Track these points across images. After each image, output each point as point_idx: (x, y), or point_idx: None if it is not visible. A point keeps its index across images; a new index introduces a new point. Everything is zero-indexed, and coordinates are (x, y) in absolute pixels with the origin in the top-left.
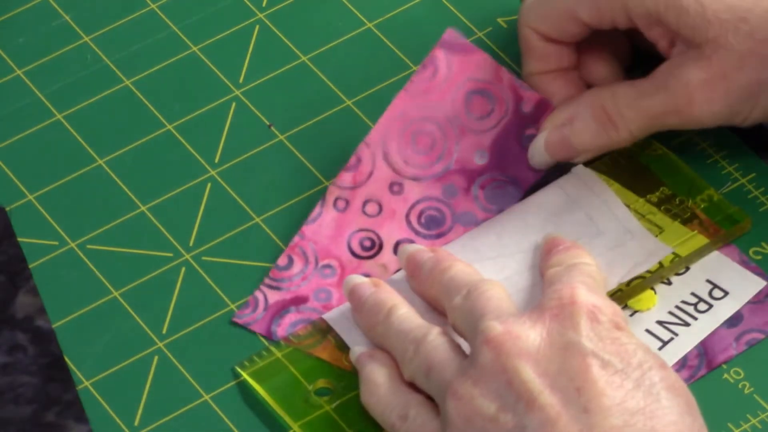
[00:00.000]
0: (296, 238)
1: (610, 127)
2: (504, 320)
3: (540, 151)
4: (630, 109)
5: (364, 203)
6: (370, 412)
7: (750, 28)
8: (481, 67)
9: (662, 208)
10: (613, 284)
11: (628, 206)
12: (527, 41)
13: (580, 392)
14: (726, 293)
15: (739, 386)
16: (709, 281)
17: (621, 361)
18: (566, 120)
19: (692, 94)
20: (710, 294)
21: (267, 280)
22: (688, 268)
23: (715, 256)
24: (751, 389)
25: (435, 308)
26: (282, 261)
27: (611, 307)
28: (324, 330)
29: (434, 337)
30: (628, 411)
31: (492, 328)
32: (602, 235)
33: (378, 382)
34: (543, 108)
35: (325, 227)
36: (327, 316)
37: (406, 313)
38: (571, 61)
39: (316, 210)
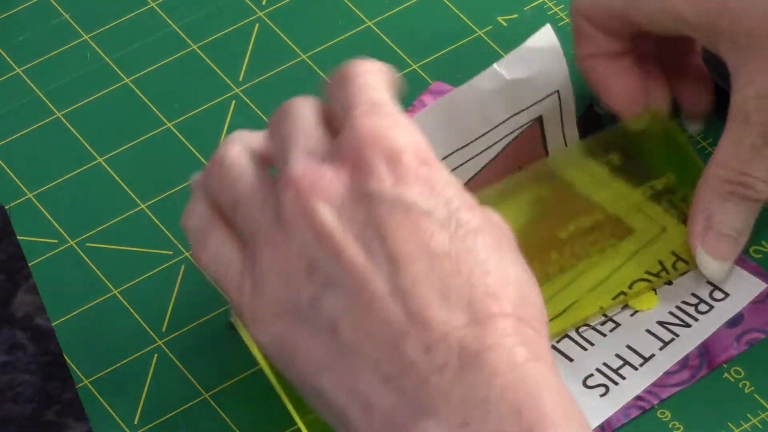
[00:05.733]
0: None
1: (743, 192)
2: (305, 156)
3: (714, 266)
4: (743, 162)
5: None
6: (184, 232)
7: None
8: None
9: (663, 200)
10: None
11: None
12: (578, 27)
13: (383, 241)
14: (727, 295)
15: (740, 385)
16: (710, 282)
17: (426, 202)
18: (705, 223)
19: None
20: (711, 295)
21: None
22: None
23: None
24: (752, 388)
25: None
26: None
27: (413, 142)
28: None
29: (239, 158)
30: (435, 254)
31: (294, 167)
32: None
33: (190, 206)
34: None
35: None
36: None
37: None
38: (626, 47)
39: None
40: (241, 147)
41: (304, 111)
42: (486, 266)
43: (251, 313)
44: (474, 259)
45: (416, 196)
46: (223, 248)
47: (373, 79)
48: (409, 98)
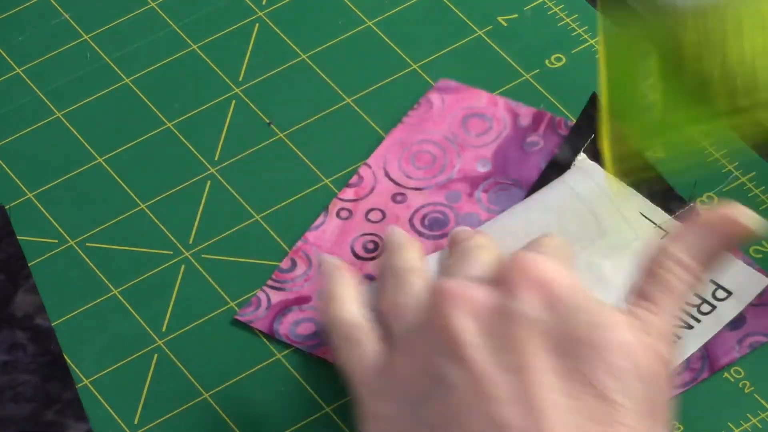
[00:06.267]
0: (299, 243)
1: None
2: (465, 277)
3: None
4: None
5: (367, 212)
6: (322, 314)
7: None
8: (475, 98)
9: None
10: (618, 286)
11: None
12: None
13: (516, 354)
14: (729, 293)
15: (740, 385)
16: (712, 281)
17: (557, 325)
18: None
19: None
20: (713, 295)
21: (270, 282)
22: None
23: None
24: (752, 389)
25: None
26: (285, 264)
27: (567, 273)
28: (327, 331)
29: (417, 273)
30: (561, 370)
31: (449, 280)
32: (606, 234)
33: (342, 291)
34: (540, 118)
35: (329, 233)
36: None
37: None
38: None
39: (320, 219)
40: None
41: (482, 253)
42: (616, 383)
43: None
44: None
45: (548, 319)
46: (369, 346)
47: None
48: (410, 98)
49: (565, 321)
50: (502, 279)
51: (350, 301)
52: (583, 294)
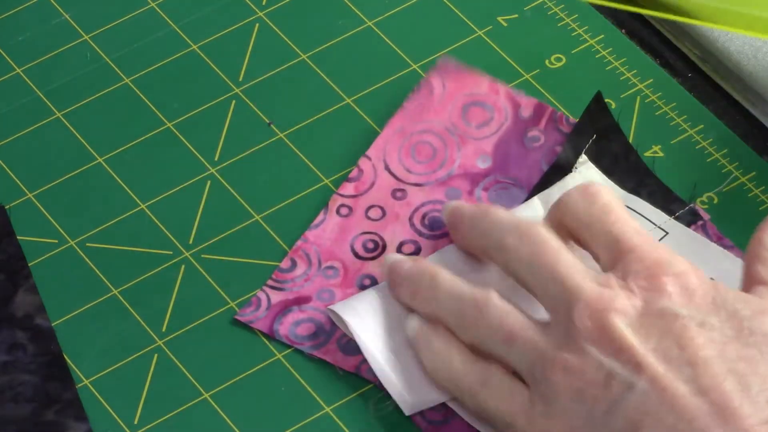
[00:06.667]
0: (299, 243)
1: None
2: (591, 281)
3: None
4: None
5: (367, 209)
6: (438, 381)
7: None
8: (475, 83)
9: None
10: None
11: (628, 207)
12: None
13: (682, 349)
14: None
15: None
16: (712, 279)
17: (717, 316)
18: None
19: None
20: None
21: (270, 282)
22: None
23: (718, 253)
24: None
25: (481, 260)
26: (285, 264)
27: (692, 266)
28: (328, 332)
29: (498, 300)
30: (731, 358)
31: (585, 291)
32: None
33: (446, 351)
34: (541, 111)
35: (328, 232)
36: (333, 306)
37: (451, 277)
38: None
39: (320, 217)
40: (489, 291)
41: (558, 249)
42: None
43: None
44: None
45: (707, 312)
46: (504, 381)
47: (617, 206)
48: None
49: (720, 309)
50: (640, 276)
51: (453, 356)
52: (715, 283)
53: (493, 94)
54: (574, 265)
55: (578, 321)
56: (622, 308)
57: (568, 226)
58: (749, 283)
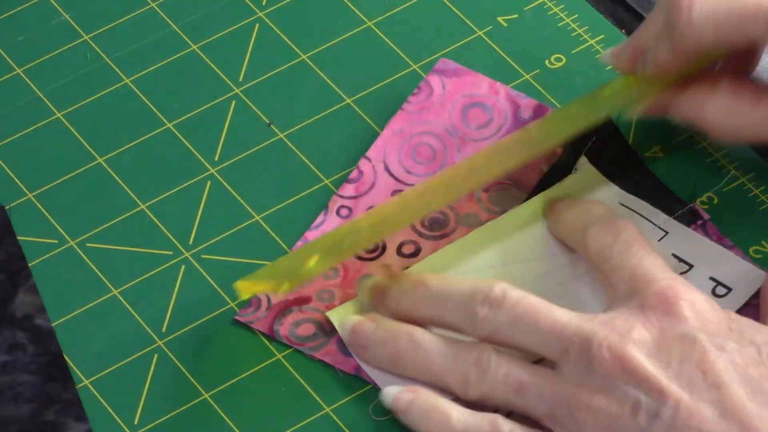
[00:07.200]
0: (299, 243)
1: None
2: (598, 321)
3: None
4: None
5: (367, 210)
6: None
7: None
8: (475, 84)
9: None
10: None
11: (627, 207)
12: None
13: (705, 374)
14: (729, 290)
15: None
16: (712, 279)
17: (738, 341)
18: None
19: None
20: (714, 292)
21: None
22: (691, 267)
23: (718, 253)
24: None
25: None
26: None
27: (706, 297)
28: (328, 333)
29: (494, 352)
30: (754, 379)
31: (597, 329)
32: None
33: (445, 410)
34: (541, 112)
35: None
36: (330, 313)
37: (430, 336)
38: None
39: (320, 218)
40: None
41: (548, 305)
42: None
43: None
44: None
45: (725, 336)
46: (516, 428)
47: (640, 241)
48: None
49: (736, 334)
50: (654, 305)
51: (450, 412)
52: (728, 311)
53: (492, 95)
54: (569, 313)
55: (597, 356)
56: (639, 338)
57: (590, 258)
58: (766, 317)
